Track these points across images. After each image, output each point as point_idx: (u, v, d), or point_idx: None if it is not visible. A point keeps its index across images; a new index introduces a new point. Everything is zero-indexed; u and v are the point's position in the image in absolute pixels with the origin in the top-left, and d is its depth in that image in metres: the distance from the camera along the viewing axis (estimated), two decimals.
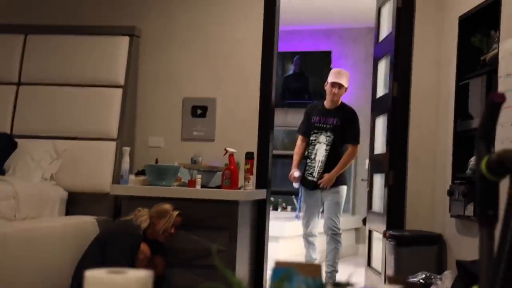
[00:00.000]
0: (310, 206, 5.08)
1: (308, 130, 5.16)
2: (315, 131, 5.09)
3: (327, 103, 5.12)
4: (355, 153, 5.10)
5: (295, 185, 5.25)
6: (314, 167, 5.06)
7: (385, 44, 5.00)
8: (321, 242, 5.21)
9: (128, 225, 3.77)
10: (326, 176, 4.97)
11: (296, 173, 5.15)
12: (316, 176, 5.04)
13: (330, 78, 5.09)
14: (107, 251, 3.65)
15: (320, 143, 5.06)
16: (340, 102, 5.12)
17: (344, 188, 5.10)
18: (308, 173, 5.09)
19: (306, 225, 5.08)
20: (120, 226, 3.84)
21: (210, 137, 4.80)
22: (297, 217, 5.22)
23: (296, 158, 5.22)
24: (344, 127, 5.03)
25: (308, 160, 5.10)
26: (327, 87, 5.12)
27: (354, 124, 5.08)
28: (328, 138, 5.03)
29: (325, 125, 5.06)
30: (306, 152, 5.16)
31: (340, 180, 5.04)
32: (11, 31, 4.91)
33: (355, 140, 5.07)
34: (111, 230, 3.83)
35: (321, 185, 4.97)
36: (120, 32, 4.82)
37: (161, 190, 4.08)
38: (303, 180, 5.13)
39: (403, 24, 4.63)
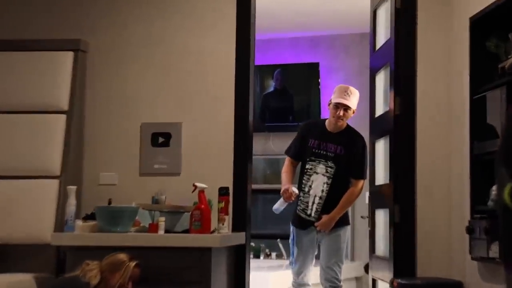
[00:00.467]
0: (303, 249, 4.94)
1: (301, 154, 4.99)
2: (313, 158, 4.89)
3: (329, 126, 4.95)
4: (360, 190, 4.92)
5: (278, 206, 4.94)
6: (308, 203, 4.88)
7: (383, 53, 5.05)
8: None
9: (74, 283, 3.70)
10: (325, 218, 4.82)
11: (293, 188, 4.93)
12: (313, 215, 4.87)
13: (335, 98, 4.89)
14: None
15: (317, 173, 4.88)
16: (345, 125, 4.97)
17: (346, 230, 4.97)
18: (301, 210, 4.91)
19: (298, 272, 4.96)
20: (64, 285, 3.78)
21: (175, 171, 4.79)
22: (291, 264, 5.03)
23: (286, 176, 5.02)
24: (349, 157, 4.86)
25: (301, 194, 4.91)
26: (330, 108, 4.93)
27: (361, 153, 4.92)
28: (329, 169, 4.85)
29: (325, 152, 4.89)
30: (298, 183, 4.98)
31: (341, 220, 4.89)
32: None
33: (361, 175, 4.93)
34: None
35: (317, 229, 4.86)
36: (63, 46, 4.84)
37: (115, 238, 4.04)
38: (294, 218, 5.00)
39: (403, 28, 4.68)
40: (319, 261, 4.97)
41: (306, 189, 4.89)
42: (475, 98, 3.98)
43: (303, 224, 4.91)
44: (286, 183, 4.97)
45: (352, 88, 4.96)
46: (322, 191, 4.85)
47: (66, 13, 4.99)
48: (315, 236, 4.91)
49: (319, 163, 4.88)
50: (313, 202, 4.87)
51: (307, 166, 4.91)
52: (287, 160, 5.14)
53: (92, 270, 3.75)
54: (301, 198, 4.91)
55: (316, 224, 4.84)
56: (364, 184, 4.95)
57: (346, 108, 4.86)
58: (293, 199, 4.89)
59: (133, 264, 3.82)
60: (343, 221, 4.92)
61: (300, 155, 5.00)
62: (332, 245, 4.87)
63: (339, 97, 4.87)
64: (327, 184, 4.85)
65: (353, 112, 4.94)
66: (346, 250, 5.09)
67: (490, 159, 3.78)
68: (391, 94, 4.75)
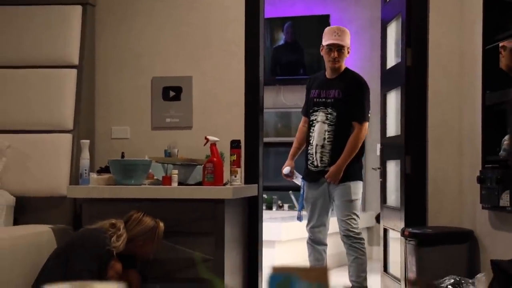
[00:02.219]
0: (313, 203, 4.78)
1: (308, 108, 4.88)
2: (315, 108, 4.76)
3: (328, 72, 4.80)
4: (363, 134, 4.69)
5: (296, 181, 4.99)
6: (313, 154, 4.74)
7: (395, 3, 5.01)
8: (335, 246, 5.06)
9: (96, 236, 3.71)
10: (332, 168, 4.63)
11: (286, 169, 4.92)
12: (319, 165, 4.71)
13: (326, 39, 4.74)
14: (69, 266, 3.64)
15: (319, 122, 4.73)
16: (343, 68, 4.79)
17: (357, 183, 4.72)
18: (310, 163, 4.77)
19: (311, 227, 4.79)
20: (86, 237, 3.78)
21: (187, 124, 4.80)
22: (299, 218, 4.98)
23: (294, 147, 4.97)
24: (347, 100, 4.67)
25: (309, 147, 4.78)
26: (323, 52, 4.79)
27: (360, 95, 4.71)
28: (329, 116, 4.69)
29: (325, 99, 4.72)
30: (307, 136, 4.86)
31: (349, 175, 4.67)
32: None
33: (361, 117, 4.67)
34: (75, 242, 3.79)
35: (327, 181, 4.69)
36: (71, 0, 4.78)
37: (129, 190, 4.08)
38: (304, 172, 4.89)
39: None
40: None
41: (311, 141, 4.76)
42: (488, 48, 3.95)
43: (312, 176, 4.79)
44: (287, 160, 4.96)
45: (341, 27, 4.85)
46: (324, 139, 4.68)
47: None
48: (326, 189, 4.73)
49: (319, 111, 4.73)
50: (316, 152, 4.72)
51: (311, 118, 4.79)
52: (301, 121, 5.02)
53: (120, 236, 3.70)
54: (309, 151, 4.80)
55: (325, 176, 4.68)
56: (366, 127, 4.72)
57: (340, 48, 4.71)
58: (290, 178, 4.94)
59: (162, 227, 3.84)
60: (354, 175, 4.71)
61: (308, 110, 4.89)
62: (343, 198, 4.68)
63: (330, 39, 4.72)
64: (328, 131, 4.67)
65: (348, 52, 4.79)
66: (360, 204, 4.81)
67: (503, 109, 3.77)
68: (403, 46, 4.74)
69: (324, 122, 4.70)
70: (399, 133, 4.85)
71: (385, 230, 5.28)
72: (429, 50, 4.61)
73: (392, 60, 5.23)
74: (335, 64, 4.73)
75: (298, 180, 4.95)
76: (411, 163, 4.64)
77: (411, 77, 4.66)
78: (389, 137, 5.24)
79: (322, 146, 4.70)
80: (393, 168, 5.19)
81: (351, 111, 4.67)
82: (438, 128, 4.61)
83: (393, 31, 5.20)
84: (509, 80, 3.71)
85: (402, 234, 4.43)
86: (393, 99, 5.16)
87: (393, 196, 5.17)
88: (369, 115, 4.77)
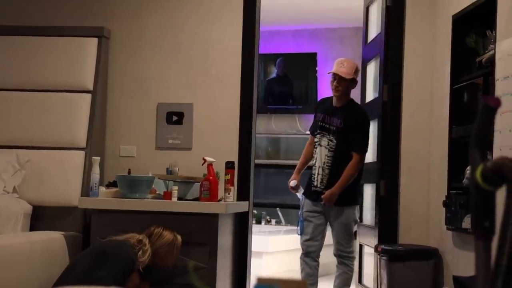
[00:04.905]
0: (311, 219, 4.60)
1: (314, 128, 4.75)
2: (319, 131, 4.62)
3: (334, 100, 4.63)
4: (360, 164, 4.53)
5: (298, 195, 4.82)
6: (315, 174, 4.60)
7: (374, 45, 5.04)
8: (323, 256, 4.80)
9: (127, 251, 3.61)
10: (327, 193, 4.48)
11: (292, 182, 4.78)
12: (318, 185, 4.58)
13: (332, 69, 4.63)
14: (98, 272, 3.54)
15: (321, 146, 4.60)
16: (349, 99, 4.61)
17: (350, 209, 4.56)
18: (312, 180, 4.63)
19: (305, 242, 4.62)
20: (118, 249, 3.66)
21: (187, 146, 4.80)
22: (299, 233, 4.73)
23: (300, 162, 4.84)
24: (348, 131, 4.51)
25: (313, 166, 4.64)
26: (330, 81, 4.64)
27: (361, 127, 4.54)
28: (330, 142, 4.56)
29: (328, 126, 4.59)
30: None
31: (345, 199, 4.51)
32: None
33: (360, 149, 4.53)
34: (107, 251, 3.64)
35: (322, 202, 4.54)
36: (88, 33, 4.82)
37: (134, 203, 4.08)
38: (305, 189, 4.74)
39: (393, 23, 4.68)
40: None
41: (313, 162, 4.65)
42: (455, 87, 3.99)
43: (311, 194, 4.63)
44: (293, 174, 4.83)
45: (348, 60, 4.66)
46: (324, 163, 4.55)
47: (90, 2, 4.99)
48: (323, 209, 4.58)
49: (323, 136, 4.60)
50: (318, 173, 4.59)
51: (315, 140, 4.66)
52: (309, 138, 4.89)
53: (146, 251, 3.63)
54: (313, 170, 4.66)
55: (322, 196, 4.52)
56: (362, 158, 4.55)
57: (340, 78, 4.52)
58: (295, 191, 4.82)
59: (179, 240, 3.81)
60: (350, 200, 4.55)
61: (314, 130, 4.75)
62: (337, 220, 4.53)
63: (333, 69, 4.60)
64: (328, 157, 4.54)
65: (354, 82, 4.60)
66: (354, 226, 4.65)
67: (467, 142, 3.81)
68: (380, 82, 4.76)
69: (325, 147, 4.59)
70: (375, 159, 4.87)
71: (361, 246, 5.28)
72: (403, 87, 4.64)
73: (370, 94, 5.24)
74: (336, 92, 4.57)
75: (300, 193, 4.81)
76: (385, 186, 4.65)
77: (387, 111, 4.68)
78: (367, 163, 5.23)
79: (323, 169, 4.57)
80: (369, 191, 5.20)
81: (351, 141, 4.51)
82: (410, 156, 4.63)
83: (372, 69, 5.23)
84: (472, 116, 3.76)
85: (376, 250, 4.43)
86: (371, 129, 5.17)
87: (369, 215, 5.17)
88: (367, 147, 4.63)
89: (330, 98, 4.75)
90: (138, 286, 3.69)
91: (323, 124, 4.63)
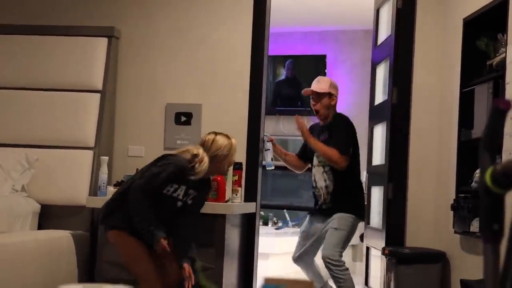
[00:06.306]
0: (306, 231, 4.56)
1: (304, 151, 4.70)
2: (312, 152, 4.57)
3: (320, 121, 4.60)
4: (339, 160, 4.32)
5: (267, 160, 4.68)
6: (320, 195, 4.47)
7: (384, 48, 5.04)
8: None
9: (181, 159, 3.53)
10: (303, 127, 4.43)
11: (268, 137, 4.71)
12: (323, 205, 4.46)
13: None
14: (153, 166, 3.51)
15: (315, 166, 4.54)
16: (334, 114, 4.50)
17: (343, 216, 4.32)
18: (318, 199, 4.53)
19: (294, 261, 4.60)
20: (176, 156, 3.58)
21: None
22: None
23: (294, 158, 4.75)
24: (332, 137, 4.41)
25: (315, 188, 4.55)
26: None
27: (338, 128, 4.41)
28: (319, 157, 4.47)
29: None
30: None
31: (341, 207, 4.35)
32: None
33: (336, 145, 4.33)
34: (167, 155, 3.62)
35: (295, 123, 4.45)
36: (98, 33, 4.84)
37: None
38: (314, 206, 4.61)
39: (403, 26, 4.67)
40: None
41: (314, 184, 4.55)
42: (464, 91, 3.98)
43: (316, 212, 4.55)
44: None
45: (323, 77, 4.68)
46: (325, 180, 4.44)
47: (100, 3, 5.00)
48: (321, 227, 4.44)
49: (315, 156, 4.53)
50: (322, 194, 4.45)
51: (313, 162, 4.57)
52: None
53: (202, 161, 3.52)
54: (316, 192, 4.54)
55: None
56: (341, 157, 4.32)
57: (316, 94, 4.45)
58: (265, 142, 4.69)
59: (235, 142, 3.70)
60: (345, 208, 4.35)
61: (303, 152, 4.71)
62: (329, 225, 4.35)
63: (308, 88, 4.56)
64: (326, 172, 4.43)
65: (332, 98, 4.45)
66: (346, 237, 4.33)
67: (475, 146, 3.79)
68: (390, 85, 4.76)
69: (318, 166, 4.50)
70: (384, 162, 4.86)
71: (368, 248, 5.27)
72: (412, 90, 4.64)
73: (380, 97, 5.24)
74: (316, 113, 4.51)
75: (267, 147, 4.70)
76: (393, 189, 4.64)
77: (396, 113, 4.68)
78: (375, 166, 5.24)
79: (326, 187, 4.44)
80: (377, 193, 5.19)
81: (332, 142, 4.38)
82: (418, 159, 4.63)
83: (382, 71, 5.22)
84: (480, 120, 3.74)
85: (383, 252, 4.43)
86: (379, 132, 5.17)
87: (376, 218, 5.17)
88: (350, 150, 4.39)
89: (318, 122, 4.67)
90: (165, 265, 3.56)
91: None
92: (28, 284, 3.84)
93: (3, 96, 4.79)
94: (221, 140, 3.64)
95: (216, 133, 3.69)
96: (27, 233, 4.23)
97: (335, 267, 4.24)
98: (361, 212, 4.55)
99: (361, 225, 4.97)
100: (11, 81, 4.81)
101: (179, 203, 3.55)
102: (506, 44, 3.46)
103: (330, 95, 4.47)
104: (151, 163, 3.61)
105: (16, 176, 4.47)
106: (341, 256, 4.31)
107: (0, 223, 4.03)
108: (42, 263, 3.96)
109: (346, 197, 4.42)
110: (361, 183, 4.65)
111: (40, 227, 4.44)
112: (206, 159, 3.54)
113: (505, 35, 3.52)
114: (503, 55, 3.48)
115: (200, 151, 3.57)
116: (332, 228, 4.33)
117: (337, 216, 4.35)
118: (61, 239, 4.23)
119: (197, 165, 3.51)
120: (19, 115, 4.73)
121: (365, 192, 5.38)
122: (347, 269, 4.30)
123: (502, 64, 3.47)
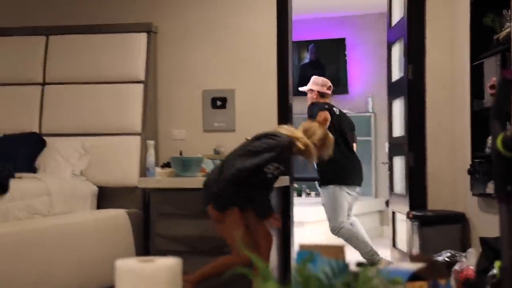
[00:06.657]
0: None
1: None
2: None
3: None
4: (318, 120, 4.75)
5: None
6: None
7: (398, 29, 5.00)
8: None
9: (286, 138, 3.57)
10: None
11: None
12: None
13: None
14: (257, 140, 3.56)
15: None
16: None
17: (322, 189, 5.04)
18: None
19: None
20: (281, 134, 3.61)
21: (231, 128, 4.84)
22: None
23: None
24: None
25: None
26: None
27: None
28: None
29: None
30: None
31: (322, 179, 5.09)
32: (33, 33, 4.98)
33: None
34: (263, 136, 3.64)
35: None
36: (138, 29, 4.87)
37: (187, 181, 4.13)
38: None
39: (414, 7, 4.63)
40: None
41: None
42: (474, 64, 3.95)
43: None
44: None
45: (313, 78, 5.40)
46: None
47: (137, 1, 5.03)
48: None
49: None
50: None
51: None
52: None
53: (308, 147, 3.58)
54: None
55: None
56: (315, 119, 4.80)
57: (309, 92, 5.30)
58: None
59: (332, 138, 3.76)
60: (322, 180, 5.09)
61: None
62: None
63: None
64: None
65: (313, 93, 5.32)
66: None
67: (487, 115, 3.76)
68: (405, 63, 4.73)
69: None
70: (403, 134, 4.85)
71: (393, 213, 5.28)
72: (426, 66, 4.61)
73: (396, 74, 5.21)
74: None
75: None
76: (414, 158, 4.63)
77: (412, 89, 4.66)
78: (395, 137, 5.23)
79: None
80: (399, 162, 5.18)
81: None
82: (435, 130, 4.61)
83: (397, 50, 5.19)
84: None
85: (407, 216, 4.44)
86: (398, 106, 5.15)
87: (399, 185, 5.16)
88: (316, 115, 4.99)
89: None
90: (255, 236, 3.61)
91: None
92: (91, 258, 3.93)
93: (58, 90, 4.86)
94: (318, 134, 3.68)
95: (317, 126, 3.75)
96: (87, 213, 4.32)
97: (341, 236, 4.89)
98: (341, 179, 5.00)
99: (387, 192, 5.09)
100: (64, 76, 4.86)
101: (269, 175, 3.55)
102: (511, 19, 3.42)
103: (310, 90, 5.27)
104: (255, 142, 3.57)
105: (74, 162, 4.55)
106: (338, 223, 4.92)
107: (64, 205, 4.13)
108: (102, 239, 4.06)
109: (324, 169, 4.97)
110: (343, 153, 4.97)
111: (99, 207, 4.52)
112: (310, 146, 3.59)
113: (509, 11, 3.48)
114: (509, 29, 3.44)
115: (300, 136, 3.60)
116: (323, 203, 5.02)
117: (320, 191, 5.07)
118: (118, 217, 4.31)
119: (297, 142, 3.55)
120: (73, 108, 4.79)
121: (388, 161, 5.40)
122: (343, 227, 4.91)
123: (508, 38, 3.43)
